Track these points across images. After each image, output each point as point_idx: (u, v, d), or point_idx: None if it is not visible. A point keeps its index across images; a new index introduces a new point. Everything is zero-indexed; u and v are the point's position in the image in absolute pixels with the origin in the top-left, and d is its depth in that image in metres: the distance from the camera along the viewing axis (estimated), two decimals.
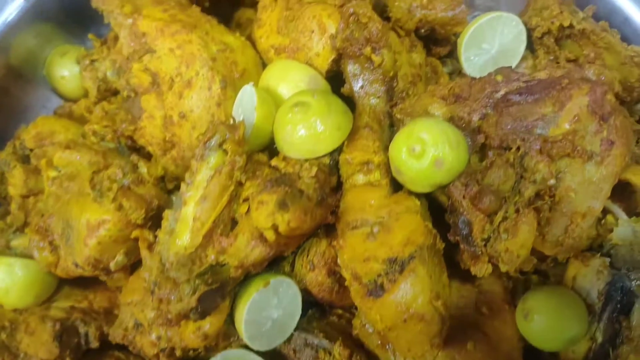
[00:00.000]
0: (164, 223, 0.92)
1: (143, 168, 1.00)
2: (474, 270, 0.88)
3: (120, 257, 0.96)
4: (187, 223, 0.91)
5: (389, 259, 0.85)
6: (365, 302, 0.86)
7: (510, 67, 1.01)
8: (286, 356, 1.02)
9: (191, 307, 0.86)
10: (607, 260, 0.96)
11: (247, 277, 0.96)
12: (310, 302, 1.05)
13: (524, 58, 1.26)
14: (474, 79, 1.02)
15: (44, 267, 1.03)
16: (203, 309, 0.88)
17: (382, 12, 1.22)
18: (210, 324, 0.92)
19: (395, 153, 0.89)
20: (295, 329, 1.01)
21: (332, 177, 0.96)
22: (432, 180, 0.88)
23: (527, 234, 0.88)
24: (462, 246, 0.90)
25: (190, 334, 0.93)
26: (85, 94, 1.35)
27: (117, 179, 0.97)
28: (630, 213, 1.01)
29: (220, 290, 0.90)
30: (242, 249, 0.90)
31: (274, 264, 1.01)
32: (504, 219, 0.88)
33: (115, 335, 1.05)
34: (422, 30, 1.21)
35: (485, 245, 0.88)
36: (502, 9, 1.33)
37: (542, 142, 0.91)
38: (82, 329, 1.13)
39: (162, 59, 1.09)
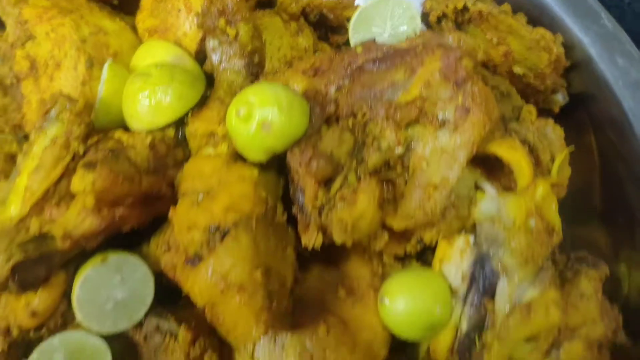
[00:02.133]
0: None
1: None
2: (303, 239, 0.81)
3: None
4: (18, 193, 0.88)
5: (210, 227, 0.80)
6: (184, 274, 0.80)
7: (374, 39, 0.97)
8: (137, 344, 0.96)
9: (5, 276, 0.82)
10: (472, 238, 0.88)
11: (87, 254, 0.92)
12: (170, 289, 0.99)
13: None
14: (337, 51, 0.98)
15: None
16: (21, 279, 0.84)
17: None
18: (39, 300, 0.88)
19: (227, 119, 0.85)
20: (147, 314, 0.95)
21: (177, 150, 0.92)
22: (262, 145, 0.83)
23: (366, 203, 0.81)
24: (298, 217, 0.84)
25: (20, 310, 0.88)
26: None
27: None
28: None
29: (43, 261, 0.85)
30: (72, 219, 0.86)
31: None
32: (342, 186, 0.82)
33: None
34: (312, 16, 1.18)
35: (319, 215, 0.82)
36: None
37: (387, 107, 0.85)
38: None
39: (40, 44, 1.10)
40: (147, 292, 0.94)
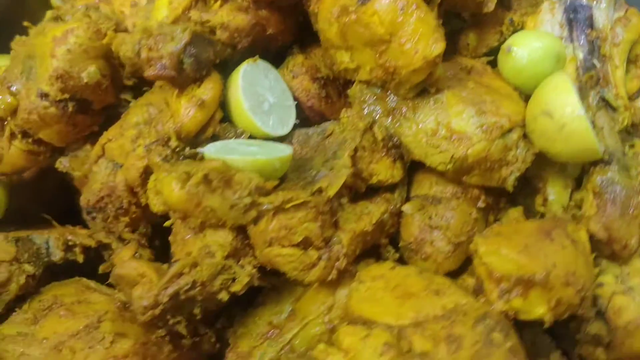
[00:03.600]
0: (139, 15, 0.90)
1: None
2: None
3: (92, 68, 0.87)
4: (163, 5, 0.90)
5: None
6: (359, 12, 0.86)
7: None
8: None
9: (185, 43, 0.80)
10: None
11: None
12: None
13: None
14: None
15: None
16: (196, 53, 0.82)
17: None
18: (205, 88, 0.85)
19: None
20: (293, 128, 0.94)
21: None
22: None
23: None
24: None
25: (185, 104, 0.83)
26: None
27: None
28: None
29: (211, 43, 0.85)
30: (225, 16, 0.89)
31: None
32: None
33: (89, 198, 0.89)
34: None
35: None
36: None
37: None
38: (39, 240, 0.95)
39: None
40: (290, 104, 0.96)
